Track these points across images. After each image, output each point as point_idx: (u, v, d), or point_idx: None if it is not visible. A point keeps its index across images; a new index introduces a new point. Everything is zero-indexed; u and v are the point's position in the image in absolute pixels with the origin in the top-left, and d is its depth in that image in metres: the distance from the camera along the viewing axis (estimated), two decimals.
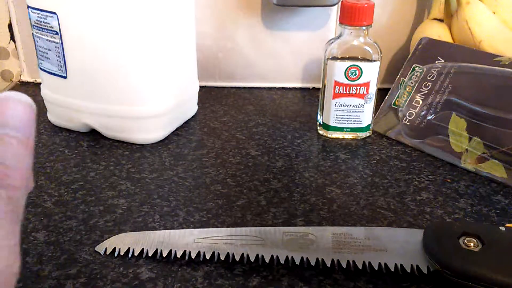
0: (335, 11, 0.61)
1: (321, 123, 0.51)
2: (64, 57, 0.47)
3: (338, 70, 0.47)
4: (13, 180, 0.18)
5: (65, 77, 0.48)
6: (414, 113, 0.50)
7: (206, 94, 0.62)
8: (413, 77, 0.52)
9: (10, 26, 0.64)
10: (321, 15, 0.61)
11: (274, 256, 0.33)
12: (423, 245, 0.32)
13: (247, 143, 0.50)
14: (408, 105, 0.51)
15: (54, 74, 0.49)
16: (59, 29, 0.45)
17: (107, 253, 0.34)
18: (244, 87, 0.65)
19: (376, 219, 0.38)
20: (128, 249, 0.34)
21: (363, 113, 0.50)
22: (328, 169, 0.45)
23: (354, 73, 0.47)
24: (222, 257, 0.33)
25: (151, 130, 0.49)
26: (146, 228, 0.37)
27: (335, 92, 0.48)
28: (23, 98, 0.20)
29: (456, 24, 0.54)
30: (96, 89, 0.47)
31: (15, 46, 0.65)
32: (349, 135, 0.51)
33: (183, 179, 0.43)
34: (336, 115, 0.50)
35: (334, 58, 0.48)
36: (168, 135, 0.51)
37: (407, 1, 0.60)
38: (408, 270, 0.32)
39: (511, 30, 0.53)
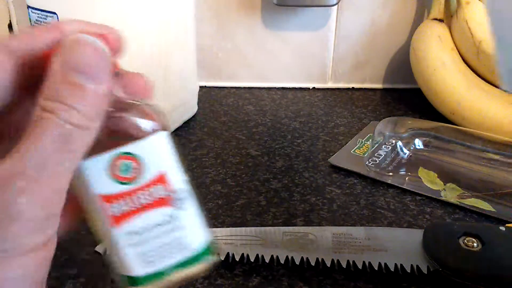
0: (335, 11, 0.61)
1: (124, 278, 0.23)
2: None
3: (96, 173, 0.21)
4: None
5: None
6: (378, 160, 0.45)
7: (206, 94, 0.62)
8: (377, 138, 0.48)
9: (10, 26, 0.64)
10: (321, 15, 0.61)
11: (274, 256, 0.33)
12: (423, 245, 0.32)
13: (247, 143, 0.50)
14: (371, 154, 0.46)
15: None
16: None
17: (107, 253, 0.34)
18: (244, 87, 0.65)
19: (376, 219, 0.38)
20: None
21: (181, 228, 0.22)
22: (328, 169, 0.45)
23: (128, 169, 0.22)
24: (222, 257, 0.33)
25: None
26: None
27: (113, 215, 0.22)
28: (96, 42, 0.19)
29: (456, 24, 0.54)
30: None
31: None
32: (180, 276, 0.22)
33: None
34: (138, 252, 0.23)
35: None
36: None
37: (407, 1, 0.60)
38: (408, 270, 0.31)
39: None
